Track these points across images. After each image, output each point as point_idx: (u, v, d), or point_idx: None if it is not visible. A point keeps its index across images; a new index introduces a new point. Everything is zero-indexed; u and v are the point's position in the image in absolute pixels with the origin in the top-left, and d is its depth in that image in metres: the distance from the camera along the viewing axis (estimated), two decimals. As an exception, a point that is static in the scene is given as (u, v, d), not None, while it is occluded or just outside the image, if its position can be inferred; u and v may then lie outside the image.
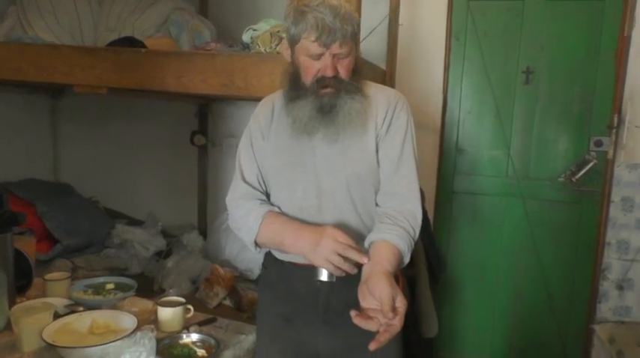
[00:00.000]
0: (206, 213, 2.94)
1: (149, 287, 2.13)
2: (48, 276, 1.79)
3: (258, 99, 1.41)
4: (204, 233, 2.79)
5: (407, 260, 1.18)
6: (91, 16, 2.53)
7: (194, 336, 1.53)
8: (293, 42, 1.20)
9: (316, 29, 1.13)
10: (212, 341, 1.50)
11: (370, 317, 1.02)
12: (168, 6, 2.51)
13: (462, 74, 2.45)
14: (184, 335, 1.53)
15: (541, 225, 2.41)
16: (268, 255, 1.36)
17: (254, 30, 1.95)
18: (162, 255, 2.52)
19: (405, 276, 1.63)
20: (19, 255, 1.73)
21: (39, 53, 2.06)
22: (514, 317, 2.50)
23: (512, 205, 2.44)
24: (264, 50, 1.87)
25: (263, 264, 1.40)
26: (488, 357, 2.56)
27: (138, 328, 1.44)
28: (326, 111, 1.20)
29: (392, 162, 1.24)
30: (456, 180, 2.51)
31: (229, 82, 1.80)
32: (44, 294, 1.74)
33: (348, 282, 1.12)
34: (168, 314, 1.58)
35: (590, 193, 2.32)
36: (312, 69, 1.19)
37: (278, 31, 1.87)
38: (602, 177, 2.29)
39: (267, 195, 1.33)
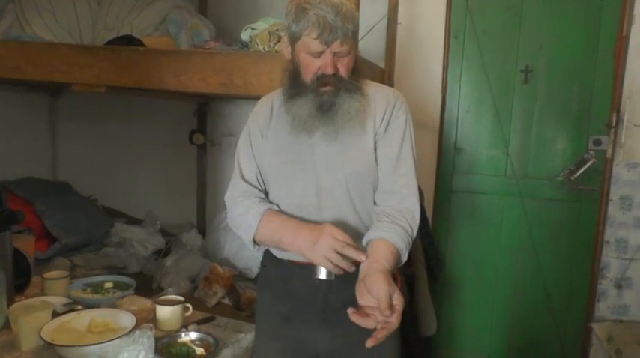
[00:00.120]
0: (205, 212, 2.94)
1: (148, 286, 2.13)
2: (47, 275, 1.79)
3: (257, 98, 1.41)
4: (203, 232, 2.79)
5: (405, 258, 1.18)
6: (90, 14, 2.52)
7: (193, 335, 1.53)
8: (294, 39, 1.20)
9: (317, 27, 1.13)
10: (211, 340, 1.51)
11: (368, 315, 1.03)
12: (166, 5, 2.50)
13: (461, 73, 2.45)
14: (183, 334, 1.53)
15: (539, 223, 2.41)
16: (267, 254, 1.36)
17: (252, 29, 1.95)
18: (161, 253, 2.51)
19: (404, 275, 1.63)
20: (17, 253, 1.74)
21: (37, 52, 2.06)
22: (512, 315, 2.50)
23: (510, 204, 2.44)
24: (263, 49, 1.87)
25: (262, 263, 1.41)
26: (487, 356, 2.56)
27: (136, 326, 1.45)
28: (325, 110, 1.20)
29: (390, 161, 1.25)
30: (455, 179, 2.52)
31: (228, 81, 1.80)
32: (43, 293, 1.74)
33: (347, 280, 1.13)
34: (166, 313, 1.58)
35: (589, 192, 2.32)
36: (312, 66, 1.19)
37: (277, 30, 1.87)
38: (600, 175, 2.29)
39: (266, 194, 1.33)
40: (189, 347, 1.48)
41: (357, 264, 1.12)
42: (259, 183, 1.32)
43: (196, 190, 2.93)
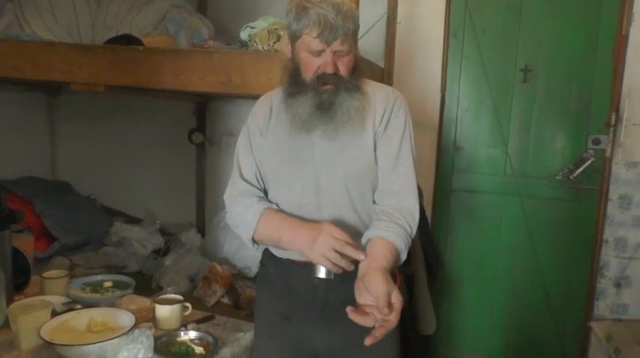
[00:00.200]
0: (204, 211, 2.94)
1: (147, 285, 2.13)
2: (46, 274, 1.79)
3: (256, 97, 1.41)
4: (202, 231, 2.79)
5: (404, 257, 1.18)
6: (89, 13, 2.52)
7: (192, 334, 1.53)
8: (294, 38, 1.20)
9: (318, 25, 1.14)
10: (210, 339, 1.51)
11: (366, 313, 1.03)
12: (166, 4, 2.50)
13: (460, 72, 2.45)
14: (182, 333, 1.53)
15: (538, 223, 2.41)
16: (266, 253, 1.36)
17: (252, 28, 1.95)
18: (161, 252, 2.51)
19: (403, 274, 1.63)
20: (17, 252, 1.74)
21: (36, 51, 2.06)
22: (511, 314, 2.50)
23: (509, 203, 2.44)
24: (262, 48, 1.87)
25: (261, 262, 1.41)
26: (486, 355, 2.56)
27: (136, 326, 1.45)
28: (325, 109, 1.21)
29: (390, 160, 1.25)
30: (454, 178, 2.52)
31: (227, 80, 1.80)
32: (42, 292, 1.74)
33: (346, 279, 1.13)
34: (166, 312, 1.58)
35: (588, 191, 2.32)
36: (312, 65, 1.19)
37: (276, 29, 1.87)
38: (599, 175, 2.29)
39: (266, 193, 1.33)
40: (189, 346, 1.48)
41: (356, 262, 1.12)
42: (258, 182, 1.32)
43: (195, 189, 2.93)
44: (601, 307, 2.32)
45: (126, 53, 1.94)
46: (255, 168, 1.31)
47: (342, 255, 1.10)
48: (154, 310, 1.61)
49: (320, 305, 1.26)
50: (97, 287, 1.86)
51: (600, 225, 2.29)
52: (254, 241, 1.27)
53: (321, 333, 1.28)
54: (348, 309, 1.02)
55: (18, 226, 2.02)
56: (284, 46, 1.28)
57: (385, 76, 2.41)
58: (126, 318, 1.49)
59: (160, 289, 2.08)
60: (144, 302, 1.72)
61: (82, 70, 1.99)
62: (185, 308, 1.64)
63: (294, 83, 1.24)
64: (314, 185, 1.24)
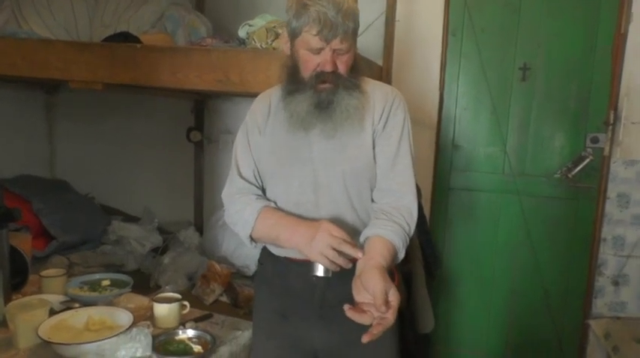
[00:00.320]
0: (202, 210, 2.94)
1: (145, 284, 2.13)
2: (44, 273, 1.79)
3: (254, 95, 1.41)
4: (200, 229, 2.78)
5: (402, 255, 1.18)
6: (87, 11, 2.51)
7: (190, 332, 1.53)
8: (294, 35, 1.20)
9: (318, 23, 1.13)
10: (208, 337, 1.50)
11: (364, 311, 1.03)
12: (164, 2, 2.49)
13: (459, 71, 2.44)
14: (180, 332, 1.53)
15: (537, 221, 2.41)
16: (264, 251, 1.36)
17: (250, 25, 1.94)
18: (159, 251, 2.51)
19: (401, 272, 1.63)
20: (14, 251, 1.73)
21: (34, 48, 2.05)
22: (510, 313, 2.51)
23: (508, 202, 2.44)
24: (260, 46, 1.86)
25: (259, 260, 1.41)
26: (484, 353, 2.57)
27: (134, 324, 1.44)
28: (323, 107, 1.20)
29: (388, 158, 1.25)
30: (452, 177, 2.52)
31: (225, 78, 1.80)
32: (40, 291, 1.74)
33: (344, 277, 1.13)
34: (164, 311, 1.58)
35: (586, 189, 2.33)
36: (311, 63, 1.19)
37: (274, 27, 1.87)
38: (598, 173, 2.30)
39: (264, 191, 1.33)
40: (187, 345, 1.48)
41: (353, 261, 1.12)
42: (257, 180, 1.32)
43: (194, 188, 2.93)
44: (599, 305, 2.33)
45: (124, 51, 1.94)
46: (254, 166, 1.31)
47: (340, 253, 1.10)
48: (152, 309, 1.61)
49: (318, 303, 1.25)
50: (95, 285, 1.86)
51: (598, 224, 2.30)
52: (252, 239, 1.27)
53: (319, 331, 1.28)
54: (346, 307, 1.02)
55: (16, 225, 2.01)
56: (283, 43, 1.28)
57: (384, 74, 2.41)
58: (124, 317, 1.49)
59: (158, 288, 2.08)
60: (142, 300, 1.71)
61: (79, 68, 1.98)
62: (183, 306, 1.64)
63: (293, 81, 1.24)
64: (312, 183, 1.24)
